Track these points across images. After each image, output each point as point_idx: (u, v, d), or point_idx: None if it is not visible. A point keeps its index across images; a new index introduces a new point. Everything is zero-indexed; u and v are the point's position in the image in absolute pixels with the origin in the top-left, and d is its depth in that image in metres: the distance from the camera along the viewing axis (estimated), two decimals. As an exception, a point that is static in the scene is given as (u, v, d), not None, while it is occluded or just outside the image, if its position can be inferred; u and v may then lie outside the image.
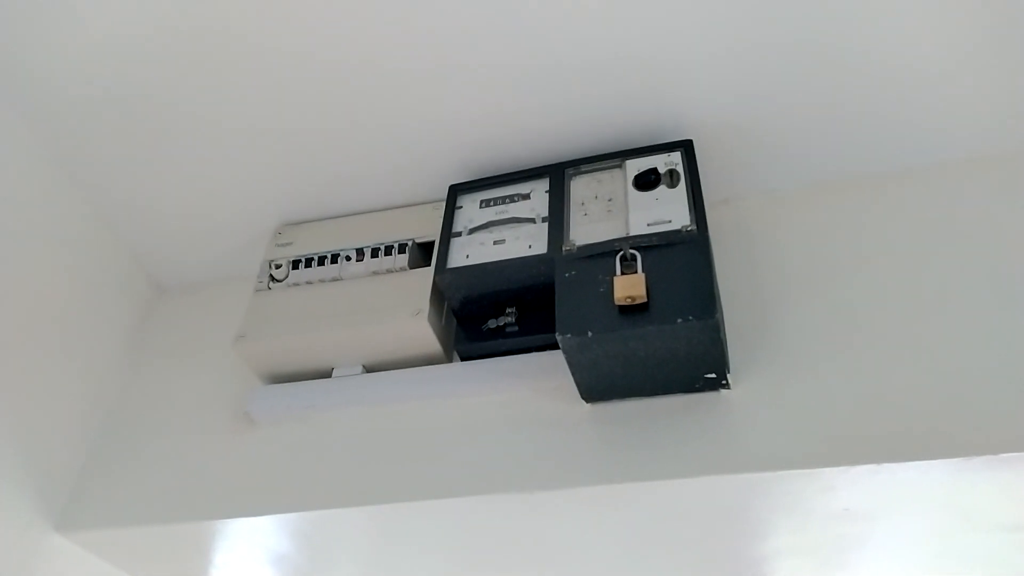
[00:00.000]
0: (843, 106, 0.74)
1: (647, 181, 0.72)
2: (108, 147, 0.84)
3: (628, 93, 0.74)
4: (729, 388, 0.66)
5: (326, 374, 0.80)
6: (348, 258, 0.82)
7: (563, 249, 0.69)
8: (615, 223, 0.70)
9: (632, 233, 0.68)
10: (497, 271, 0.71)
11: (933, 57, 0.70)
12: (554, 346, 0.65)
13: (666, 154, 0.74)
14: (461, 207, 0.78)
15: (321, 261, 0.83)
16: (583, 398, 0.69)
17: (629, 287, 0.62)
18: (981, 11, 0.66)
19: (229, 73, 0.76)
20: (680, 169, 0.72)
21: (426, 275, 0.77)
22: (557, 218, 0.72)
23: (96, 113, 0.80)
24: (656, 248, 0.66)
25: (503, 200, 0.76)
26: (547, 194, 0.75)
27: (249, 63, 0.75)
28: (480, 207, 0.77)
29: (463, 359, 0.76)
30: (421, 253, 0.81)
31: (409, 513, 0.71)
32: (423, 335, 0.75)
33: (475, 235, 0.74)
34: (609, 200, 0.72)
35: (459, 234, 0.75)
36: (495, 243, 0.73)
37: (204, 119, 0.80)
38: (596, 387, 0.67)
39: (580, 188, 0.75)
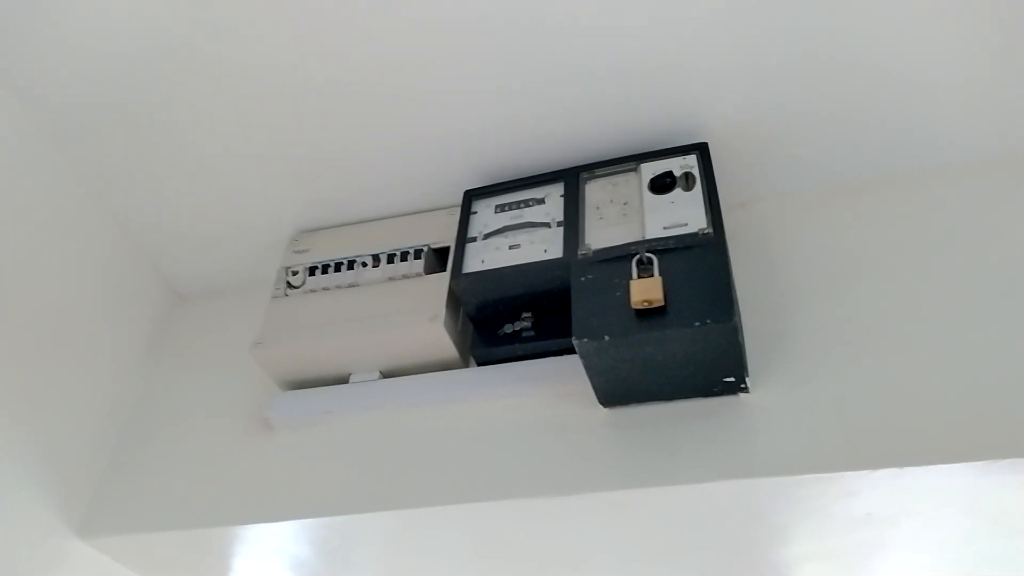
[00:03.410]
0: (856, 108, 0.73)
1: (663, 184, 0.71)
2: (125, 157, 0.84)
3: (642, 97, 0.74)
4: (748, 392, 0.65)
5: (343, 380, 0.80)
6: (364, 264, 0.82)
7: (579, 253, 0.69)
8: (631, 227, 0.69)
9: (648, 236, 0.67)
10: (513, 276, 0.71)
11: (947, 59, 0.69)
12: (571, 350, 0.64)
13: (681, 157, 0.73)
14: (476, 212, 0.78)
15: (337, 267, 0.83)
16: (600, 403, 0.68)
17: (646, 291, 0.62)
18: (989, 18, 0.66)
19: (246, 83, 0.77)
20: (696, 172, 0.71)
21: (442, 280, 0.77)
22: (572, 222, 0.72)
23: (114, 124, 0.81)
24: (673, 251, 0.65)
25: (518, 205, 0.76)
26: (562, 198, 0.75)
27: (265, 72, 0.76)
28: (495, 212, 0.77)
29: (479, 364, 0.76)
30: (437, 258, 0.82)
31: (427, 518, 0.71)
32: (440, 340, 0.75)
33: (490, 240, 0.75)
34: (624, 204, 0.72)
35: (474, 239, 0.75)
36: (510, 248, 0.73)
37: (221, 128, 0.81)
38: (613, 391, 0.67)
39: (595, 192, 0.74)
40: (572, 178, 0.76)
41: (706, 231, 0.66)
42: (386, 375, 0.79)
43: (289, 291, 0.84)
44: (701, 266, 0.63)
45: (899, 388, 0.63)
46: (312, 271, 0.84)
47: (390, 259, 0.81)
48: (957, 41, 0.68)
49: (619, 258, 0.66)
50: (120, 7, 0.72)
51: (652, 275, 0.64)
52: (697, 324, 0.59)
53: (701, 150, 0.73)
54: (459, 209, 0.78)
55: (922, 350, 0.64)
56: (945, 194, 0.74)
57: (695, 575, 0.81)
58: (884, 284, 0.69)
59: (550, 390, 0.71)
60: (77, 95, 0.80)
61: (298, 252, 0.87)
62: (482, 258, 0.73)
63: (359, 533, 0.76)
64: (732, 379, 0.64)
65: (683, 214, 0.68)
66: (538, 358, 0.73)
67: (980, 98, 0.71)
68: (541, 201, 0.76)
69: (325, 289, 0.82)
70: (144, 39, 0.75)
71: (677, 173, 0.72)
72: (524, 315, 0.73)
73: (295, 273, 0.85)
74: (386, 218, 0.87)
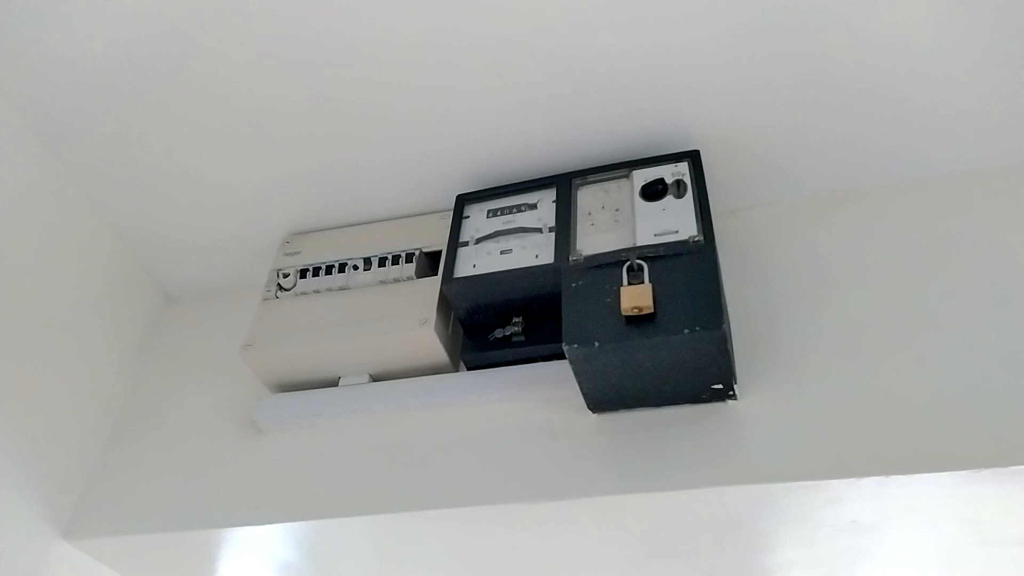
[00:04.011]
0: (849, 117, 0.74)
1: (654, 191, 0.72)
2: (116, 158, 0.84)
3: (635, 104, 0.74)
4: (736, 399, 0.66)
5: (333, 383, 0.80)
6: (355, 267, 0.82)
7: (570, 259, 0.69)
8: (622, 233, 0.70)
9: (639, 243, 0.68)
10: (504, 281, 0.71)
11: (938, 70, 0.70)
12: (561, 356, 0.64)
13: (673, 164, 0.74)
14: (468, 217, 0.78)
15: (328, 270, 0.83)
16: (589, 408, 0.68)
17: (636, 297, 0.62)
18: (983, 25, 0.66)
19: (237, 84, 0.77)
20: (687, 179, 0.72)
21: (433, 284, 0.77)
22: (564, 228, 0.72)
23: (105, 125, 0.81)
24: (663, 258, 0.66)
25: (510, 210, 0.77)
26: (554, 204, 0.75)
27: (256, 74, 0.76)
28: (487, 217, 0.77)
29: (469, 368, 0.76)
30: (428, 262, 0.82)
31: (415, 522, 0.71)
32: (430, 344, 0.75)
33: (482, 245, 0.75)
34: (616, 210, 0.72)
35: (466, 244, 0.75)
36: (502, 253, 0.73)
37: (212, 129, 0.81)
38: (602, 397, 0.67)
39: (587, 198, 0.75)
40: (564, 184, 0.76)
41: (697, 239, 0.66)
42: (376, 379, 0.79)
43: (280, 293, 0.84)
44: (691, 273, 0.64)
45: (885, 397, 0.63)
46: (303, 274, 0.84)
47: (381, 262, 0.81)
48: (948, 52, 0.68)
49: (610, 264, 0.67)
50: (115, 18, 0.72)
51: (642, 282, 0.64)
52: (687, 331, 0.60)
53: (693, 158, 0.74)
54: (451, 213, 0.79)
55: (909, 359, 0.65)
56: (934, 204, 0.75)
57: (682, 581, 0.81)
58: (872, 293, 0.70)
59: (540, 395, 0.72)
60: (72, 105, 0.79)
61: (289, 254, 0.87)
62: (473, 263, 0.73)
63: (347, 537, 0.76)
64: (720, 386, 0.64)
65: (674, 221, 0.68)
66: (528, 363, 0.73)
67: (971, 109, 0.72)
68: (533, 206, 0.76)
69: (316, 292, 0.82)
70: (137, 48, 0.74)
71: (669, 180, 0.72)
72: (515, 320, 0.74)
73: (286, 275, 0.85)
74: (378, 221, 0.87)
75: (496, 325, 0.74)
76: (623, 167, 0.75)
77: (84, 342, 0.86)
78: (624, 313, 0.62)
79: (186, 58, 0.75)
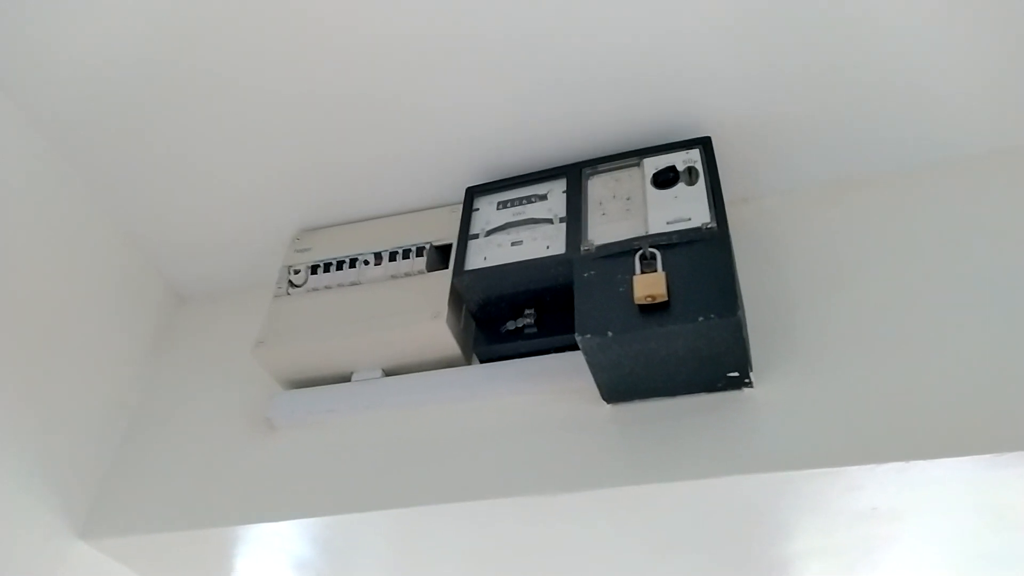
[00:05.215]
0: (861, 104, 0.73)
1: (665, 179, 0.71)
2: (124, 157, 0.84)
3: (645, 91, 0.74)
4: (752, 387, 0.65)
5: (346, 378, 0.80)
6: (366, 262, 0.82)
7: (581, 249, 0.68)
8: (634, 222, 0.69)
9: (651, 232, 0.67)
10: (515, 272, 0.71)
11: (948, 53, 0.69)
12: (574, 347, 0.64)
13: (684, 152, 0.73)
14: (478, 209, 0.78)
15: (339, 266, 0.83)
16: (604, 399, 0.68)
17: (649, 286, 0.62)
18: (988, 15, 0.66)
19: (245, 81, 0.76)
20: (699, 166, 0.71)
21: (444, 278, 0.77)
22: (575, 218, 0.72)
23: (113, 124, 0.81)
24: (676, 246, 0.65)
25: (520, 201, 0.76)
26: (564, 194, 0.75)
27: (265, 70, 0.75)
28: (497, 209, 0.77)
29: (482, 361, 0.76)
30: (439, 256, 0.81)
31: (430, 517, 0.71)
32: (442, 338, 0.75)
33: (492, 237, 0.74)
34: (627, 199, 0.72)
35: (476, 236, 0.75)
36: (513, 244, 0.73)
37: (220, 127, 0.81)
38: (617, 387, 0.67)
39: (598, 187, 0.74)
40: (574, 174, 0.76)
41: (709, 225, 0.65)
42: (389, 373, 0.78)
43: (291, 290, 0.84)
44: (705, 261, 0.63)
45: (903, 382, 0.62)
46: (314, 270, 0.84)
47: (392, 257, 0.81)
48: (959, 37, 0.68)
49: (622, 253, 0.66)
50: (122, 16, 0.72)
51: (655, 270, 0.63)
52: (701, 319, 0.59)
53: (704, 144, 0.73)
54: (461, 206, 0.78)
55: (927, 343, 0.64)
56: (948, 189, 0.74)
57: (699, 571, 0.81)
58: (889, 278, 0.69)
59: (553, 387, 0.71)
60: (80, 104, 0.80)
61: (300, 251, 0.87)
62: (484, 255, 0.73)
63: (362, 532, 0.76)
64: (736, 374, 0.64)
65: (686, 209, 0.68)
66: (541, 355, 0.73)
67: (984, 93, 0.71)
68: (543, 197, 0.76)
69: (327, 288, 0.82)
70: (144, 46, 0.74)
71: (680, 168, 0.72)
72: (527, 312, 0.73)
73: (297, 272, 0.84)
74: (388, 216, 0.87)
75: (508, 317, 0.74)
76: (633, 155, 0.75)
77: (97, 344, 0.87)
78: (637, 302, 0.61)
79: (193, 56, 0.75)
